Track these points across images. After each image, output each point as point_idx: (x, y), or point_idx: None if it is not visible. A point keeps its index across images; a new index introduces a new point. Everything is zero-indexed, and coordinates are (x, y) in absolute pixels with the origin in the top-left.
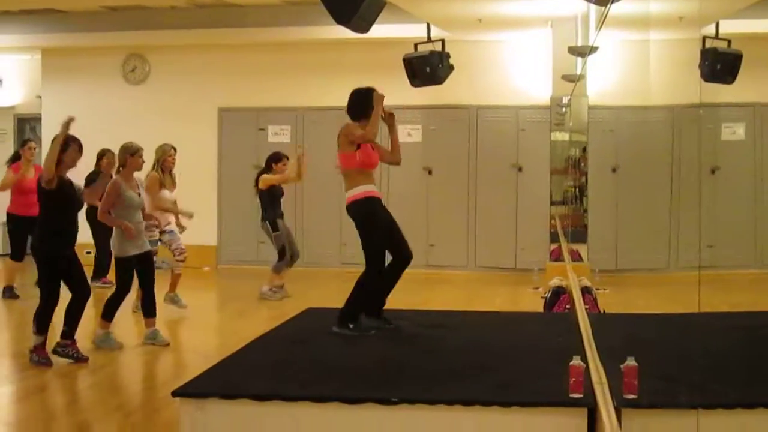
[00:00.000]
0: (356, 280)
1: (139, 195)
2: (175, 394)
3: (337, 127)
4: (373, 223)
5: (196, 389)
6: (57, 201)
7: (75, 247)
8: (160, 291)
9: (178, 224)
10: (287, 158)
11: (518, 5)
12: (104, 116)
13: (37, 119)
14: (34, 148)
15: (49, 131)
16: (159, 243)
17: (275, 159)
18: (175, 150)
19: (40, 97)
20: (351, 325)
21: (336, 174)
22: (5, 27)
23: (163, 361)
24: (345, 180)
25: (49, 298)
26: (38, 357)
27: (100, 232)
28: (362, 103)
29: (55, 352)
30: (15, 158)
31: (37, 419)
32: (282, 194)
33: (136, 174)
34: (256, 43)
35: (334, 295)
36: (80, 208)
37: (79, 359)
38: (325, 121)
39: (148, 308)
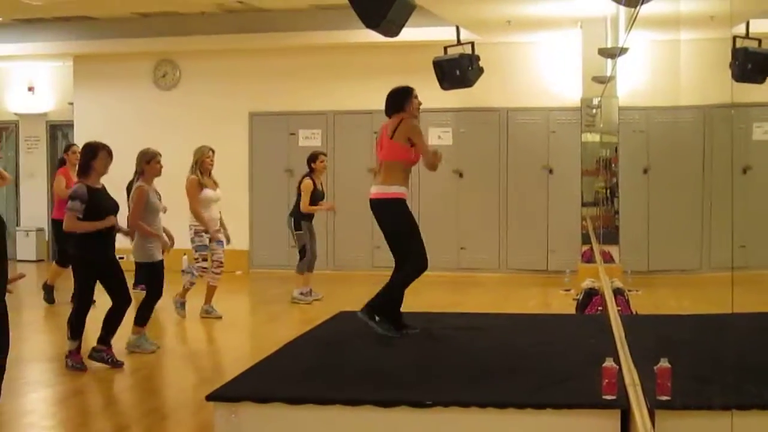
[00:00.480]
0: (391, 277)
1: (160, 200)
2: (209, 398)
3: (367, 130)
4: (403, 223)
5: (229, 393)
6: (90, 208)
7: (114, 253)
8: (193, 298)
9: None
10: (324, 155)
11: (547, 6)
12: (136, 122)
13: (69, 126)
14: (78, 152)
15: (81, 138)
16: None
17: (313, 158)
18: (213, 151)
19: (72, 103)
20: (377, 318)
21: (366, 176)
22: (38, 34)
23: (198, 364)
24: (384, 172)
25: (81, 303)
26: (72, 362)
27: None
28: (397, 101)
29: (90, 357)
30: (61, 163)
31: (74, 423)
32: (322, 197)
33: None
34: (285, 48)
35: (366, 298)
36: (116, 212)
37: (114, 364)
38: (355, 124)
39: (144, 316)
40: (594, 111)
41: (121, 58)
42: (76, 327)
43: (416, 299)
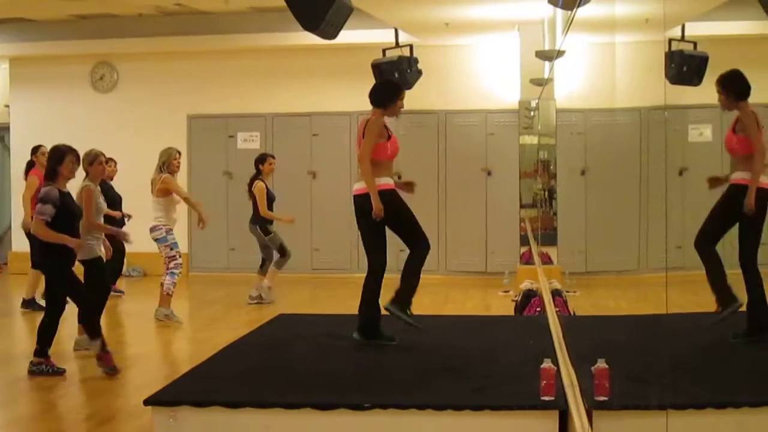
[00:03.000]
0: (404, 269)
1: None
2: (147, 402)
3: (306, 132)
4: (400, 213)
5: (167, 397)
6: (60, 213)
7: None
8: (136, 300)
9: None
10: (272, 157)
11: (485, 9)
12: (74, 125)
13: (5, 129)
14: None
15: (17, 141)
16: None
17: (261, 160)
18: (179, 153)
19: (8, 106)
20: (408, 311)
21: (306, 179)
22: None
23: (137, 369)
24: (362, 170)
25: (55, 309)
26: (49, 368)
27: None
28: (385, 93)
29: (31, 372)
30: (29, 166)
31: (10, 429)
32: (274, 199)
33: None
34: (224, 50)
35: (306, 300)
36: (80, 218)
37: (56, 372)
38: (294, 126)
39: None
40: (532, 113)
41: (58, 61)
42: (46, 335)
43: (355, 302)
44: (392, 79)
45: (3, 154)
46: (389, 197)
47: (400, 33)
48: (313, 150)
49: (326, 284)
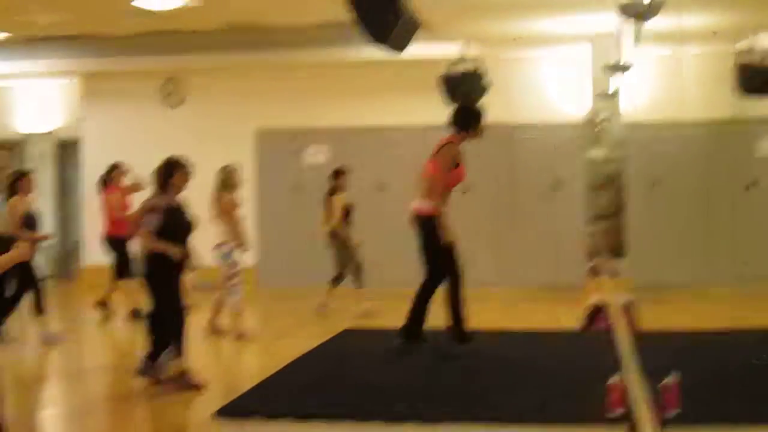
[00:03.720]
0: (416, 294)
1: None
2: (217, 414)
3: (374, 146)
4: (433, 239)
5: (237, 410)
6: (169, 227)
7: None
8: (201, 313)
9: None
10: (344, 173)
11: (553, 23)
12: (143, 139)
13: (77, 144)
14: (123, 173)
15: (89, 156)
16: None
17: (337, 174)
18: (237, 171)
19: (80, 121)
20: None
21: (373, 193)
22: (46, 52)
23: (206, 381)
24: (426, 187)
25: (175, 318)
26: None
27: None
28: (470, 117)
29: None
30: (104, 183)
31: None
32: (351, 211)
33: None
34: (292, 65)
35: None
36: (190, 231)
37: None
38: (362, 141)
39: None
40: (600, 127)
41: (128, 77)
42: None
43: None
44: (472, 106)
45: (75, 170)
46: (432, 224)
47: (469, 47)
48: (380, 164)
49: (394, 298)
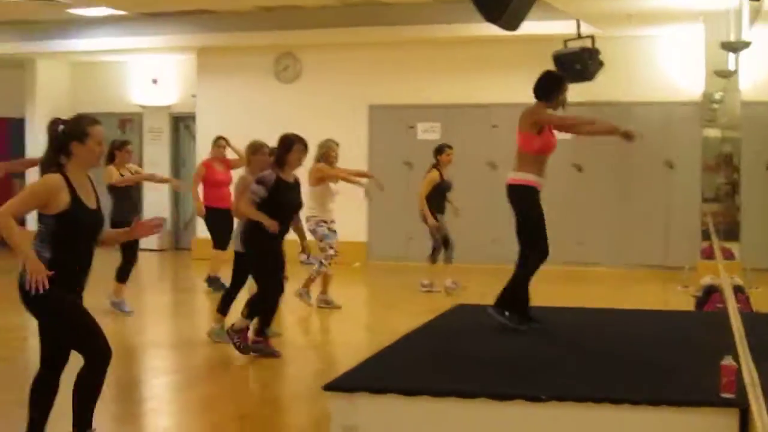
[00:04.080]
0: (515, 267)
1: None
2: (325, 388)
3: (486, 123)
4: (531, 211)
5: (345, 384)
6: (273, 201)
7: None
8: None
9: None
10: (450, 148)
11: (667, 0)
12: (257, 114)
13: (191, 118)
14: (223, 147)
15: (203, 130)
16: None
17: (439, 151)
18: (337, 145)
19: (194, 96)
20: (506, 313)
21: (485, 170)
22: (162, 27)
23: (315, 355)
24: (516, 160)
25: (267, 292)
26: (239, 341)
27: None
28: (551, 86)
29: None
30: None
31: (194, 408)
32: (449, 188)
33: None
34: (405, 41)
35: (484, 290)
36: (299, 208)
37: (272, 354)
38: (474, 118)
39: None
40: (716, 105)
41: (243, 52)
42: (253, 310)
43: (533, 293)
44: (554, 71)
45: (190, 143)
46: (524, 193)
47: (582, 24)
48: (492, 141)
49: (506, 274)
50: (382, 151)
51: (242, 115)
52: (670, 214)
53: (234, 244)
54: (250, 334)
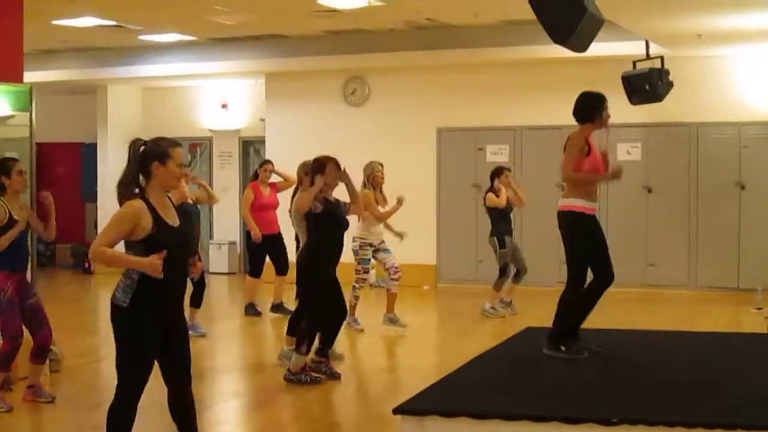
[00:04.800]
0: (558, 299)
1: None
2: (396, 411)
3: (555, 145)
4: (580, 239)
5: (416, 406)
6: (322, 222)
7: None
8: (377, 311)
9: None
10: (509, 170)
11: (740, 19)
12: (326, 138)
13: (261, 142)
14: (270, 171)
15: (272, 154)
16: (373, 260)
17: (497, 173)
18: (382, 166)
19: (263, 120)
20: (562, 347)
21: (554, 192)
22: (231, 53)
23: (383, 378)
24: (567, 185)
25: (315, 318)
26: (306, 378)
27: None
28: (589, 107)
29: (309, 368)
30: (254, 177)
31: (267, 431)
32: (511, 210)
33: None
34: (473, 63)
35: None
36: (346, 228)
37: (332, 376)
38: (542, 140)
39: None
40: None
41: (312, 76)
42: (306, 341)
43: (601, 317)
44: (590, 92)
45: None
46: (579, 219)
47: (651, 45)
48: (559, 163)
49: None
50: (451, 173)
51: (311, 138)
52: (742, 235)
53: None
54: (311, 355)
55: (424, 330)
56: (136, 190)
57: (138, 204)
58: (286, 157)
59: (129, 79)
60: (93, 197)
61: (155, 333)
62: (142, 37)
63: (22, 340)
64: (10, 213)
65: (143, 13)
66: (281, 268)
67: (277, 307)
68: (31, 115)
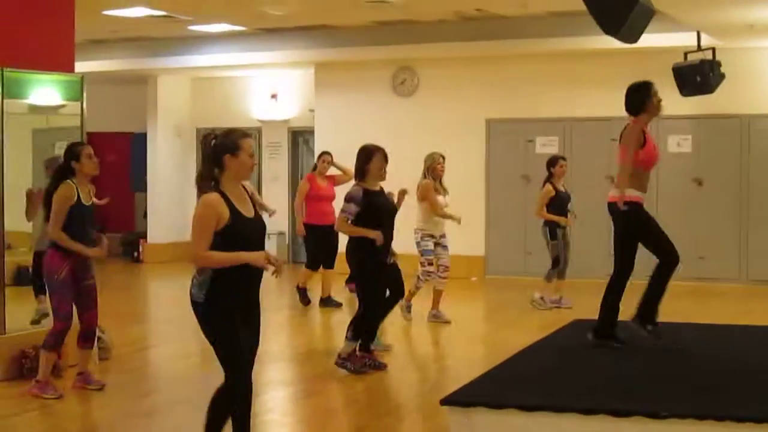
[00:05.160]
0: (650, 281)
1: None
2: (443, 402)
3: (605, 137)
4: (635, 228)
5: (464, 398)
6: (367, 211)
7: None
8: (425, 301)
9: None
10: (564, 159)
11: None
12: (374, 128)
13: (310, 132)
14: (328, 162)
15: (321, 144)
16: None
17: (552, 163)
18: (443, 158)
19: (312, 110)
20: (605, 335)
21: (604, 184)
22: (280, 43)
23: (430, 369)
24: (617, 175)
25: (369, 306)
26: (352, 365)
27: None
28: (638, 98)
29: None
30: (312, 169)
31: (313, 421)
32: (567, 200)
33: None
34: (522, 55)
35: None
36: (395, 212)
37: (379, 367)
38: (592, 132)
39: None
40: None
41: (361, 66)
42: (358, 329)
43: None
44: (637, 82)
45: (308, 157)
46: (635, 210)
47: (703, 36)
48: (611, 155)
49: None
50: (500, 165)
51: (360, 129)
52: None
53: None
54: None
55: (472, 321)
56: (212, 184)
57: (213, 197)
58: (335, 148)
59: (179, 69)
60: (142, 187)
61: (236, 321)
62: (192, 28)
63: (71, 322)
64: (79, 195)
65: (193, 3)
66: (329, 262)
67: (325, 301)
68: (81, 104)
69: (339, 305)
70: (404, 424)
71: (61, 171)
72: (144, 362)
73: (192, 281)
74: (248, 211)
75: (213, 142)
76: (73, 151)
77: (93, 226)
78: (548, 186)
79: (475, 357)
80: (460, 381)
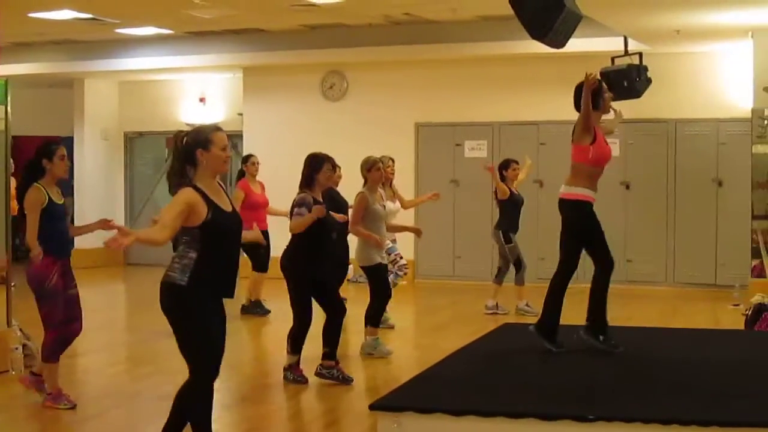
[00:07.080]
0: (591, 287)
1: (384, 207)
2: (372, 407)
3: (533, 141)
4: (576, 228)
5: (392, 403)
6: (317, 221)
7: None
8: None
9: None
10: (516, 163)
11: (718, 16)
12: (304, 132)
13: (238, 136)
14: (257, 164)
15: (249, 148)
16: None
17: (504, 166)
18: (393, 161)
19: (241, 114)
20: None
21: (533, 188)
22: (208, 47)
23: (363, 373)
24: (570, 172)
25: (302, 319)
26: (293, 375)
27: None
28: (580, 93)
29: (319, 374)
30: (240, 175)
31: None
32: (522, 202)
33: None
34: (451, 59)
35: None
36: (339, 229)
37: (344, 380)
38: (521, 135)
39: (375, 317)
40: (766, 122)
41: (290, 70)
42: (296, 342)
43: (577, 312)
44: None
45: (237, 161)
46: (587, 210)
47: (630, 41)
48: (539, 159)
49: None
50: (429, 169)
51: (288, 133)
52: (720, 232)
53: (361, 260)
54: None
55: (402, 325)
56: (186, 180)
57: (189, 192)
58: (263, 152)
59: (106, 73)
60: (69, 191)
61: (215, 311)
62: (119, 31)
63: (65, 329)
64: (49, 196)
65: (120, 6)
66: (261, 265)
67: (249, 308)
68: (6, 108)
69: (266, 312)
70: (332, 429)
71: (31, 167)
72: (71, 370)
73: (172, 264)
74: (226, 206)
75: (184, 138)
76: (47, 150)
77: (69, 225)
78: (503, 186)
79: (406, 361)
80: (390, 386)
